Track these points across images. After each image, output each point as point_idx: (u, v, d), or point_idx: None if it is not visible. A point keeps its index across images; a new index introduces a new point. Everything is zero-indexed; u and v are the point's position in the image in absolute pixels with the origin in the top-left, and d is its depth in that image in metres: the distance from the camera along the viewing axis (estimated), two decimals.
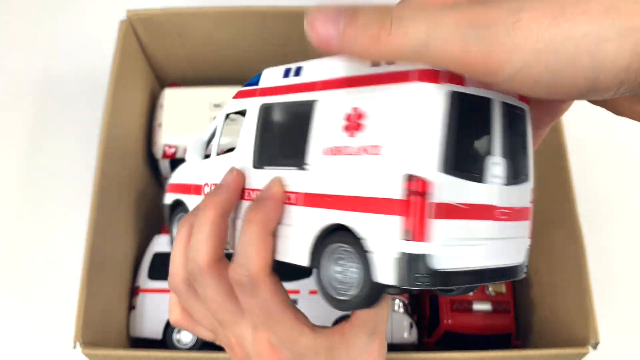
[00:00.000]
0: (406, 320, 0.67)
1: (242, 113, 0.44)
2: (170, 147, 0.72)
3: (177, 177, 0.51)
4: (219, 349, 0.66)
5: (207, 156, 0.48)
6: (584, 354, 0.55)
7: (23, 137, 0.84)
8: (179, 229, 0.43)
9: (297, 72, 0.40)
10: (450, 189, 0.33)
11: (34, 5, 0.94)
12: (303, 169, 0.38)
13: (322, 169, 0.37)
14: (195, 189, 0.48)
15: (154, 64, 0.78)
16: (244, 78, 0.48)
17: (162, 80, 0.81)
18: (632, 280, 0.76)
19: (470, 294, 0.67)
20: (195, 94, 0.75)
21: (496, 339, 0.67)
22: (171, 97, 0.75)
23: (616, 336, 0.69)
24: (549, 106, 0.39)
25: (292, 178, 0.39)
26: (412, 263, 0.32)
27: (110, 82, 0.66)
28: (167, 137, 0.72)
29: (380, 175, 0.33)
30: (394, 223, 0.32)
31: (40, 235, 0.78)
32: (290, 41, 0.74)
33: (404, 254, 0.32)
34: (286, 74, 0.41)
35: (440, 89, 0.32)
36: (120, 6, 0.71)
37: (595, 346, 0.55)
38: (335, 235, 0.36)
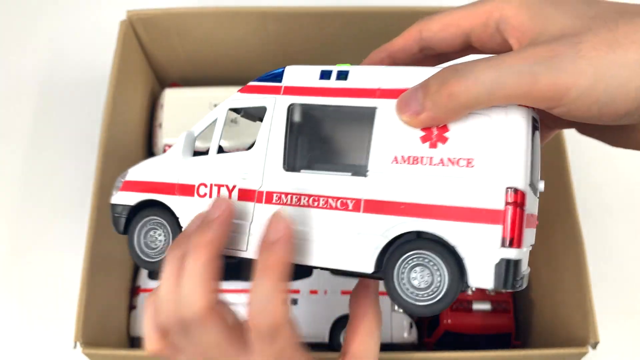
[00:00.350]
0: (406, 320, 0.67)
1: (256, 110, 0.42)
2: (170, 147, 0.72)
3: (148, 173, 0.45)
4: None
5: (197, 153, 0.44)
6: (584, 354, 0.55)
7: (23, 137, 0.84)
8: (168, 263, 0.39)
9: (343, 75, 0.40)
10: (529, 201, 0.36)
11: (34, 6, 0.94)
12: (363, 175, 0.38)
13: (392, 176, 0.37)
14: (184, 189, 0.43)
15: (154, 64, 0.78)
16: (244, 78, 0.48)
17: (162, 80, 0.81)
18: (632, 280, 0.76)
19: (470, 292, 0.67)
20: (195, 94, 0.75)
21: (496, 338, 0.67)
22: (171, 97, 0.75)
23: (616, 336, 0.69)
24: (546, 129, 0.43)
25: (345, 184, 0.38)
26: (511, 268, 0.35)
27: (110, 82, 0.66)
28: (167, 137, 0.73)
29: (476, 186, 0.35)
30: (494, 231, 0.35)
31: (40, 235, 0.78)
32: (290, 41, 0.74)
33: (503, 259, 0.35)
34: (324, 76, 0.40)
35: (528, 112, 0.36)
36: (120, 6, 0.71)
37: (594, 346, 0.55)
38: (412, 243, 0.37)
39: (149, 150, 0.76)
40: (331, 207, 0.38)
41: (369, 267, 0.37)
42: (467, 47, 0.40)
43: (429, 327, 0.69)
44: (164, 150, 0.73)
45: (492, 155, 0.35)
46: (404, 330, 0.66)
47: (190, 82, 0.79)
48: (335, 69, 0.40)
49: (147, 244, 0.44)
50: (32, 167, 0.82)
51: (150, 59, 0.77)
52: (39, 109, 0.86)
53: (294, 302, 0.66)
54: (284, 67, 0.41)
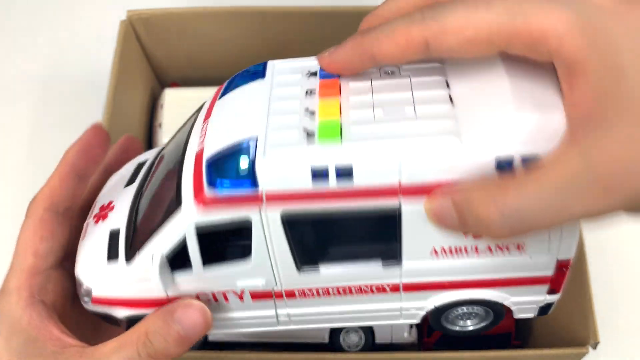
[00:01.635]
0: None
1: (236, 223, 0.32)
2: None
3: (124, 289, 0.38)
4: (220, 348, 0.66)
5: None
6: (584, 354, 0.55)
7: (23, 137, 0.84)
8: None
9: (345, 173, 0.30)
10: None
11: (35, 5, 0.94)
12: (396, 265, 0.35)
13: (432, 265, 0.34)
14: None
15: (154, 64, 0.78)
16: None
17: (162, 80, 0.82)
18: (632, 280, 0.76)
19: None
20: (195, 94, 0.75)
21: (496, 338, 0.67)
22: (171, 97, 0.75)
23: (616, 336, 0.69)
24: None
25: (377, 272, 0.35)
26: (551, 305, 0.39)
27: (110, 82, 0.66)
28: (167, 137, 0.72)
29: (527, 265, 0.35)
30: (542, 288, 0.37)
31: None
32: (290, 41, 0.74)
33: (548, 303, 0.39)
34: (317, 176, 0.30)
35: None
36: (120, 6, 0.71)
37: (595, 346, 0.55)
38: (459, 303, 0.38)
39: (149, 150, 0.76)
40: (365, 292, 0.36)
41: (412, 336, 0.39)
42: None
43: (429, 327, 0.69)
44: None
45: (543, 235, 0.34)
46: (403, 330, 0.66)
47: (190, 82, 0.79)
48: (330, 163, 0.30)
49: None
50: (32, 167, 0.82)
51: (150, 59, 0.77)
52: (38, 108, 0.86)
53: None
54: (241, 155, 0.31)
